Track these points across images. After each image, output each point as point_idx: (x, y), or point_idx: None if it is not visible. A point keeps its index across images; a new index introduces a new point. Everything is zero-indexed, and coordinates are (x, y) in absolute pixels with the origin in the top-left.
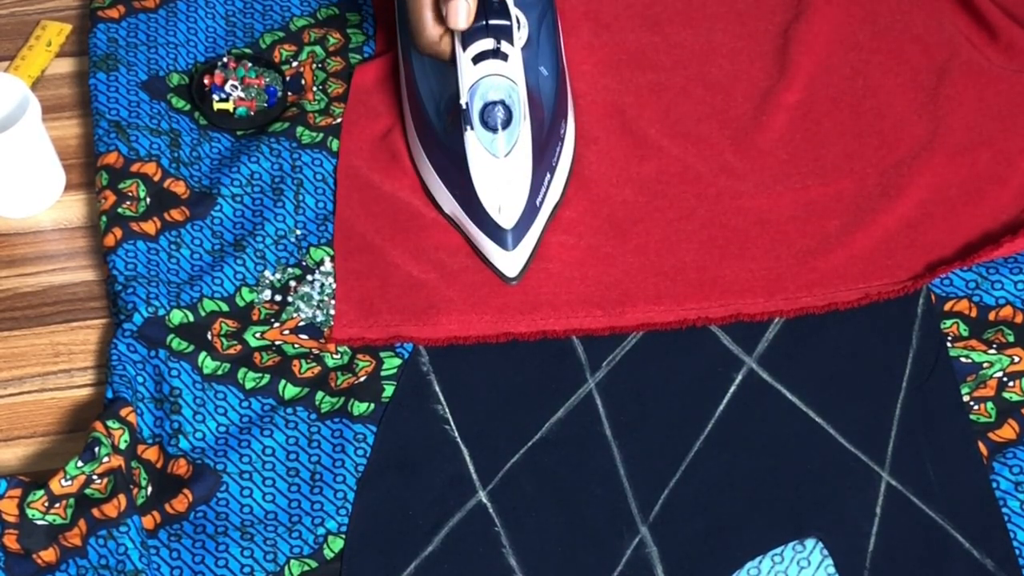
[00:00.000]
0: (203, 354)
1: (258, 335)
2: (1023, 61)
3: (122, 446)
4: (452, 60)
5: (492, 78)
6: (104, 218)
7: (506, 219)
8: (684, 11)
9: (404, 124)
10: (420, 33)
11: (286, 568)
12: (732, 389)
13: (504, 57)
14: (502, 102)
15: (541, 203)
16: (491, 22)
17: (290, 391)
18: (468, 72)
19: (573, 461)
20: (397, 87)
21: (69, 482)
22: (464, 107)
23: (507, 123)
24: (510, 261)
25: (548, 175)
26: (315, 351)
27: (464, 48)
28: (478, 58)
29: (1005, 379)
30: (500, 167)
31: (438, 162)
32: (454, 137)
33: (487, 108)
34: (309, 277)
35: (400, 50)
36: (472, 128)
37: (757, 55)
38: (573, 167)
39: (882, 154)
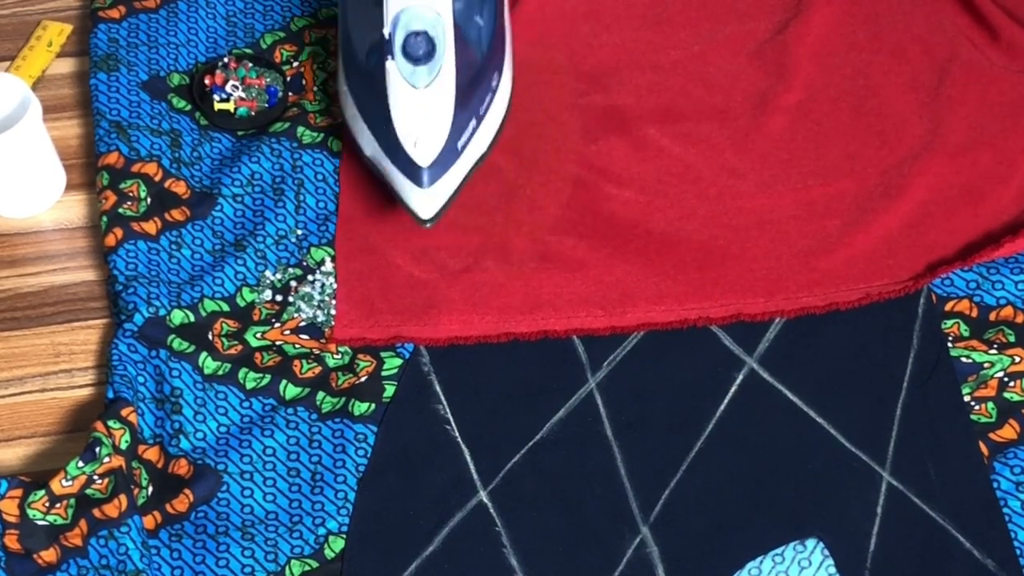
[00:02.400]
0: (204, 354)
1: (259, 335)
2: None
3: (123, 446)
4: None
5: (418, 7)
6: (105, 218)
7: (422, 155)
8: (684, 11)
9: (336, 69)
10: None
11: (287, 568)
12: (733, 389)
13: None
14: (425, 33)
15: (463, 149)
16: None
17: (291, 391)
18: (393, 1)
19: (574, 461)
20: None
21: (70, 482)
22: (387, 37)
23: (430, 55)
24: (425, 201)
25: (474, 121)
26: (316, 351)
27: None
28: None
29: (1006, 379)
30: (419, 98)
31: (360, 97)
32: (377, 69)
33: (409, 38)
34: (310, 277)
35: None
36: (392, 58)
37: (757, 55)
38: (504, 125)
39: (883, 154)
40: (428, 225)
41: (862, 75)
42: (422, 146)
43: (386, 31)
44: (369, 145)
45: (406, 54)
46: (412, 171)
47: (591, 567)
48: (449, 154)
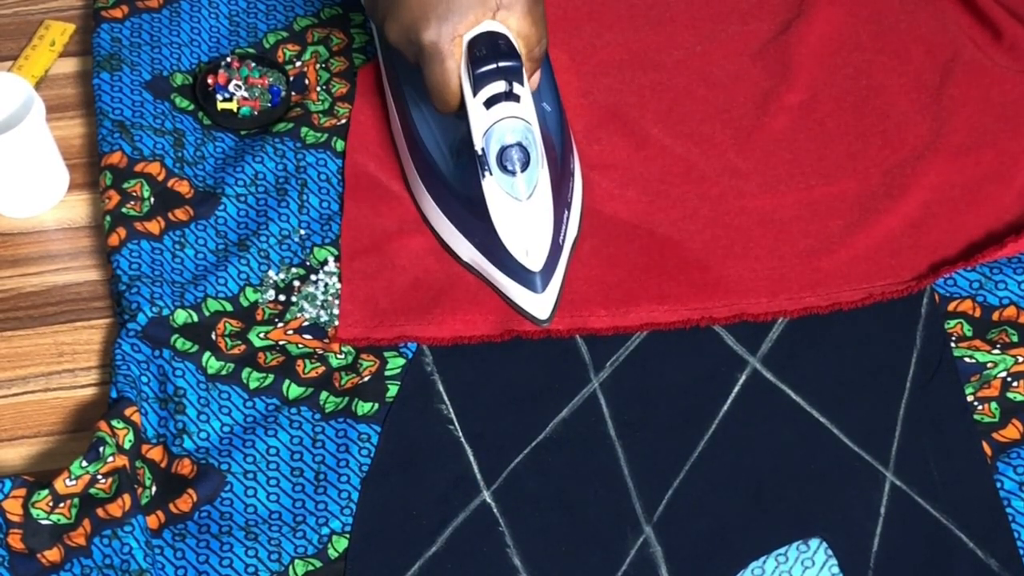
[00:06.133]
0: (207, 354)
1: (262, 335)
2: None
3: (126, 446)
4: (461, 107)
5: (507, 121)
6: (108, 218)
7: (534, 262)
8: (687, 11)
9: (406, 175)
10: (451, 98)
11: (290, 568)
12: (736, 389)
13: (516, 99)
14: (519, 144)
15: (563, 241)
16: (501, 64)
17: (294, 391)
18: (481, 117)
19: (577, 461)
20: None
21: (73, 482)
22: (480, 153)
23: (526, 165)
24: (541, 303)
25: (566, 211)
26: (319, 351)
27: (475, 93)
28: (490, 102)
29: (1009, 379)
30: (523, 210)
31: (452, 211)
32: (469, 184)
33: (504, 151)
34: (313, 277)
35: (392, 102)
36: (491, 173)
37: (760, 55)
38: (584, 202)
39: (885, 154)
40: (546, 324)
41: (865, 75)
42: (533, 254)
43: (479, 148)
44: (466, 251)
45: (503, 167)
46: (525, 278)
47: (594, 567)
48: (555, 252)
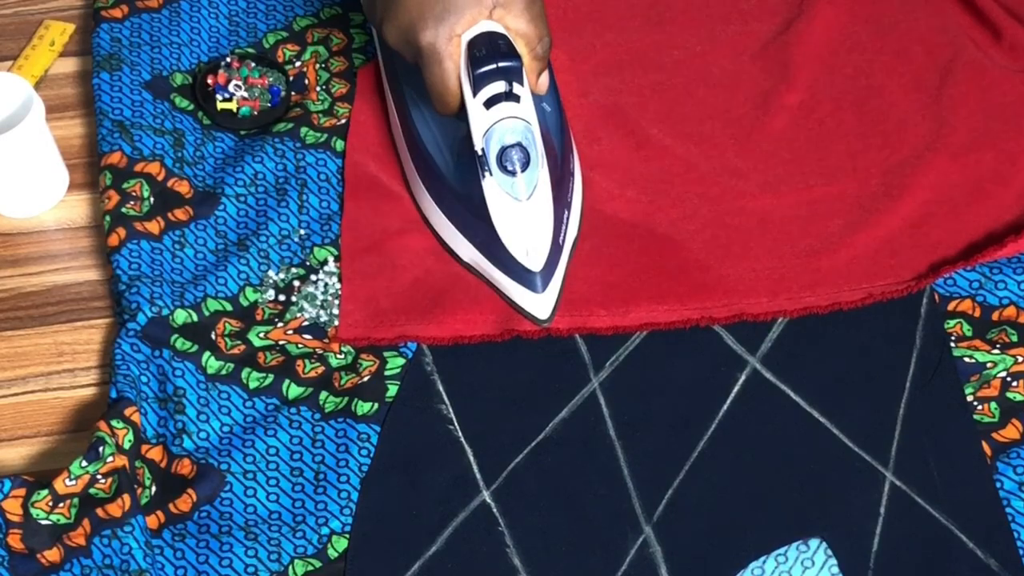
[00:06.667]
0: (207, 354)
1: (262, 335)
2: None
3: (126, 446)
4: (461, 108)
5: (507, 121)
6: (108, 218)
7: (534, 262)
8: (687, 11)
9: (406, 175)
10: (450, 99)
11: (290, 568)
12: (736, 389)
13: (516, 99)
14: (519, 144)
15: (563, 241)
16: (501, 64)
17: (294, 391)
18: (481, 117)
19: (577, 461)
20: None
21: (73, 482)
22: (480, 153)
23: (526, 165)
24: (541, 303)
25: (566, 212)
26: (319, 351)
27: (475, 93)
28: (490, 102)
29: (1009, 379)
30: (523, 210)
31: (452, 211)
32: (469, 184)
33: (504, 152)
34: (313, 277)
35: (392, 102)
36: (491, 174)
37: (760, 55)
38: (584, 202)
39: (885, 154)
40: (546, 324)
41: (864, 75)
42: (533, 254)
43: (478, 148)
44: (467, 252)
45: (503, 167)
46: (525, 278)
47: (594, 567)
48: (555, 252)
